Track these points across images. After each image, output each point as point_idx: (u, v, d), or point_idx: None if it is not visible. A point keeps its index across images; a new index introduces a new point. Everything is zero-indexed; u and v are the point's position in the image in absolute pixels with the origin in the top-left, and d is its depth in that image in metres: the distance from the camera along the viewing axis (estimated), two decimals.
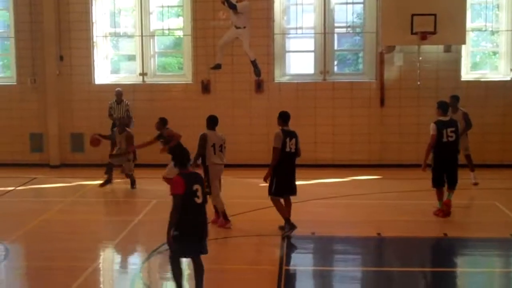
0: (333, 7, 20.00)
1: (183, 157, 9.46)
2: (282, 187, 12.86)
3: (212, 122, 13.50)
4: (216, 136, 13.38)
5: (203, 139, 13.21)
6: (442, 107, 14.13)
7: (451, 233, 12.93)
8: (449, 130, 13.85)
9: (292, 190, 13.00)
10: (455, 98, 16.58)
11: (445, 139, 13.82)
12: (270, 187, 12.88)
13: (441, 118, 13.99)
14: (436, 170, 13.99)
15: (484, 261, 11.86)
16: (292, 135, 12.89)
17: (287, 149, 12.75)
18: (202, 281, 9.40)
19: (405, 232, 12.98)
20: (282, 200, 12.97)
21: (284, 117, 13.10)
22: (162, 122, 15.69)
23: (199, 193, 9.17)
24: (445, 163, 13.93)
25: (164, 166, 15.16)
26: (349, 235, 12.95)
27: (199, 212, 9.21)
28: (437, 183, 14.02)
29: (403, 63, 19.20)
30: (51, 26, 19.95)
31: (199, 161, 13.29)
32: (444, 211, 13.93)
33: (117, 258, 12.05)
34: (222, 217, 13.37)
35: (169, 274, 10.19)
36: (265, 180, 12.84)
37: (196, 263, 9.44)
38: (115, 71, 21.29)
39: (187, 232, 9.10)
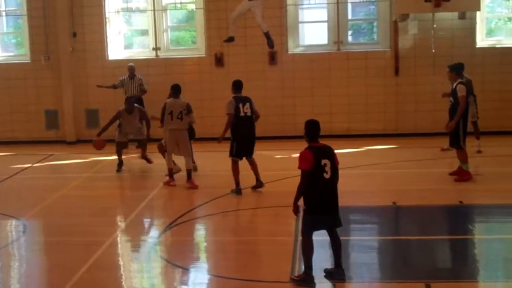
0: None
1: (314, 129, 9.06)
2: (241, 149, 13.67)
3: (175, 90, 14.58)
4: (176, 104, 14.44)
5: (163, 108, 14.49)
6: (456, 69, 14.14)
7: (467, 200, 12.90)
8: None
9: (250, 151, 13.84)
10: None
11: (469, 99, 14.15)
12: (230, 149, 13.71)
13: (461, 80, 14.04)
14: (465, 131, 14.03)
15: (501, 227, 11.81)
16: (244, 100, 13.72)
17: (241, 114, 13.56)
18: (340, 254, 9.15)
19: (421, 200, 12.93)
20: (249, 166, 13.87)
21: (236, 85, 13.88)
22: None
23: (328, 168, 8.83)
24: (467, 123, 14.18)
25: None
26: (365, 205, 12.94)
27: (327, 187, 8.89)
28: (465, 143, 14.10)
29: (417, 31, 19.03)
30: (63, 2, 19.93)
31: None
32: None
33: (134, 232, 12.10)
34: (168, 174, 14.64)
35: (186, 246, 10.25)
36: (219, 141, 13.86)
37: (331, 237, 9.18)
38: (128, 46, 21.28)
39: (315, 207, 8.89)
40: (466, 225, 11.93)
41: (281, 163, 16.60)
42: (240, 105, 13.55)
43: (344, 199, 12.88)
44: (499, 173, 14.93)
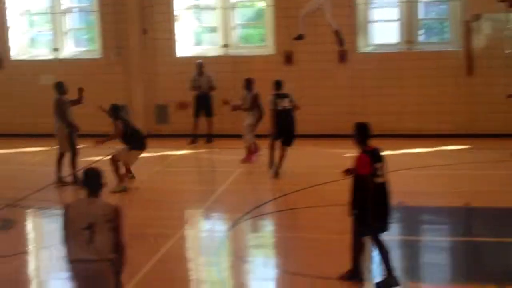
0: None
1: (365, 132, 8.83)
2: (280, 135, 14.91)
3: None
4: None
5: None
6: None
7: None
8: None
9: (288, 140, 14.95)
10: None
11: None
12: (272, 132, 15.04)
13: None
14: None
15: None
16: (282, 96, 15.04)
17: (280, 108, 14.88)
18: (388, 261, 8.80)
19: (494, 202, 12.64)
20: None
21: (276, 84, 15.24)
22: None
23: (380, 171, 8.67)
24: None
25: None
26: (436, 205, 12.71)
27: (380, 191, 8.67)
28: None
29: (491, 31, 18.66)
30: None
31: None
32: None
33: (203, 225, 12.15)
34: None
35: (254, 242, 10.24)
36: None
37: (377, 243, 8.89)
38: (198, 43, 21.39)
39: (367, 211, 8.65)
40: None
41: (351, 161, 16.39)
42: (278, 101, 14.86)
43: (415, 199, 12.90)
44: None
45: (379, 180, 8.64)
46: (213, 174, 16.24)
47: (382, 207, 8.72)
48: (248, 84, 16.48)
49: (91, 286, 6.87)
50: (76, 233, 6.78)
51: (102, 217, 6.81)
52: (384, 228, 8.82)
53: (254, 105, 16.24)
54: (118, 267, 6.91)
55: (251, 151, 16.36)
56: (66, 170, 14.68)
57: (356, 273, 9.03)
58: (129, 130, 14.26)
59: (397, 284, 8.81)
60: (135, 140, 14.24)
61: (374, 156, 8.68)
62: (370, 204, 8.60)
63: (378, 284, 8.90)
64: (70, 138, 14.57)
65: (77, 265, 6.84)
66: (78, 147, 14.72)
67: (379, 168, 8.64)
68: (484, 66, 18.87)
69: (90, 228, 6.76)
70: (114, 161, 14.09)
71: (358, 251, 8.97)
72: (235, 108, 16.64)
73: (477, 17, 18.59)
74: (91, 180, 7.03)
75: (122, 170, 14.12)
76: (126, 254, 6.95)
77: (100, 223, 6.78)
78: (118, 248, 6.89)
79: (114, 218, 6.86)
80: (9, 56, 21.41)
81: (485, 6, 17.78)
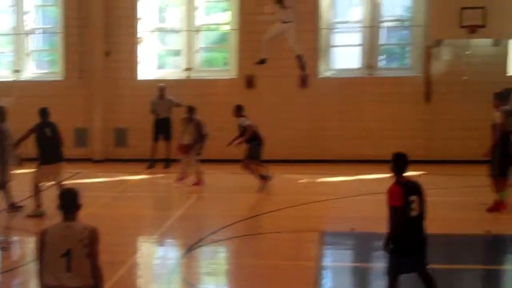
0: (381, 0, 19.76)
1: (403, 162, 8.48)
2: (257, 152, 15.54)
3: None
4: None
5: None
6: (500, 97, 13.87)
7: (496, 230, 12.67)
8: None
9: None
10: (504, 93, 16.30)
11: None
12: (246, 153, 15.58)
13: (503, 107, 13.71)
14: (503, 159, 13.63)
15: None
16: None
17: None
18: None
19: (449, 229, 12.68)
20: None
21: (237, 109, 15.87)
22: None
23: (415, 205, 8.27)
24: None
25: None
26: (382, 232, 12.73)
27: (414, 225, 8.32)
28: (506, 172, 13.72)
29: (450, 58, 18.89)
30: (99, 21, 20.12)
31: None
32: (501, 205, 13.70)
33: (156, 252, 12.07)
34: None
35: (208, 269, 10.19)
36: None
37: (423, 278, 8.61)
38: (162, 66, 21.39)
39: (402, 247, 8.30)
40: (494, 255, 11.73)
41: (307, 187, 16.50)
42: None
43: (369, 225, 12.90)
44: None
45: (413, 214, 8.30)
46: (170, 199, 16.17)
47: (416, 242, 8.41)
48: (191, 112, 16.55)
49: None
50: (53, 261, 6.57)
51: (79, 243, 6.62)
52: (420, 264, 8.52)
53: (198, 133, 16.26)
54: None
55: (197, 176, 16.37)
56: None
57: None
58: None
59: None
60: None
61: (409, 188, 8.36)
62: (392, 236, 8.31)
63: None
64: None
65: None
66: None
67: (413, 201, 8.31)
68: (442, 92, 19.07)
69: (68, 255, 6.55)
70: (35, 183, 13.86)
71: None
72: (187, 148, 16.47)
73: (438, 43, 18.80)
74: (67, 202, 6.82)
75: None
76: (103, 279, 6.81)
77: (78, 249, 6.59)
78: (96, 273, 6.69)
79: (91, 243, 6.68)
80: None
81: (447, 32, 18.02)
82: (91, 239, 6.72)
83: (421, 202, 8.37)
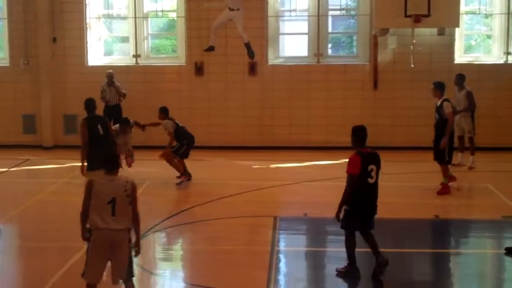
0: None
1: (362, 134, 9.55)
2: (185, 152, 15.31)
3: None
4: None
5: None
6: (441, 87, 14.38)
7: (443, 214, 13.03)
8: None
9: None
10: (461, 77, 16.75)
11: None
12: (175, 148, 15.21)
13: (446, 97, 14.38)
14: (450, 146, 14.34)
15: (475, 242, 11.96)
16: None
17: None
18: (377, 250, 9.64)
19: (395, 213, 12.97)
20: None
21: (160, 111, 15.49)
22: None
23: (373, 173, 9.35)
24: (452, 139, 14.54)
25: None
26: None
27: (370, 191, 9.44)
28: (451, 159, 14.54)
29: (397, 46, 19.17)
30: (44, 7, 19.84)
31: None
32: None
33: None
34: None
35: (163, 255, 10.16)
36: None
37: (366, 236, 9.69)
38: (109, 53, 21.25)
39: (357, 209, 9.43)
40: (442, 239, 12.06)
41: (259, 173, 16.65)
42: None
43: (321, 211, 13.11)
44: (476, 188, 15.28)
45: (370, 181, 9.31)
46: None
47: (369, 205, 9.52)
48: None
49: (112, 252, 8.00)
50: (100, 207, 7.93)
51: (123, 193, 7.99)
52: (371, 224, 9.64)
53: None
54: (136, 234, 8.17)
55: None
56: None
57: (352, 269, 9.67)
58: None
59: (387, 262, 9.61)
60: None
61: (368, 158, 9.32)
62: (359, 201, 9.40)
63: (373, 273, 9.63)
64: None
65: (101, 233, 7.92)
66: None
67: (371, 170, 9.28)
68: (389, 80, 19.39)
69: (113, 202, 7.92)
70: None
71: (351, 247, 9.67)
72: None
73: (384, 32, 19.05)
74: (111, 161, 8.21)
75: None
76: (140, 224, 8.21)
77: (122, 197, 7.97)
78: (136, 217, 8.11)
79: (132, 193, 8.04)
80: None
81: (392, 21, 18.19)
82: (133, 190, 8.12)
83: (377, 171, 9.38)
